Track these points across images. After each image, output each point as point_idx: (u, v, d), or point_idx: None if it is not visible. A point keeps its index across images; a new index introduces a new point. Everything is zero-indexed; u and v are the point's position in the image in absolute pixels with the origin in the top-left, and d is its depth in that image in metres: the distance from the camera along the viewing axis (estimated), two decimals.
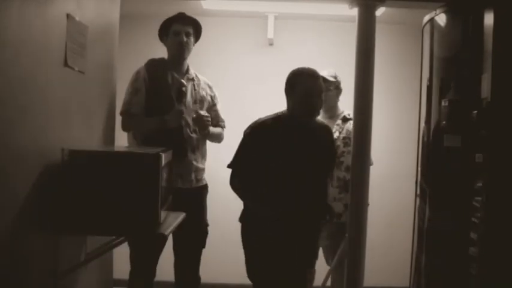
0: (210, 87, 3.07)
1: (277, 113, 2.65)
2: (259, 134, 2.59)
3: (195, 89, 2.97)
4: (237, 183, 2.61)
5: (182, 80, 2.90)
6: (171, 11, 4.07)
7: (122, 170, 2.00)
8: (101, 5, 2.50)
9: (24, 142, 1.74)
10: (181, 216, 2.40)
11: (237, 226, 4.10)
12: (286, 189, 2.52)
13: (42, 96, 1.85)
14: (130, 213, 1.98)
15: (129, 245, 2.80)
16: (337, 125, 3.19)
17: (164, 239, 2.04)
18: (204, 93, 3.01)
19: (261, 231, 2.55)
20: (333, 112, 3.24)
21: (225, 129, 3.15)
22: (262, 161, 2.53)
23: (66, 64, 2.03)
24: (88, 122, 2.35)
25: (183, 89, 2.88)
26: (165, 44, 2.97)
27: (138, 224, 2.00)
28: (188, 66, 3.00)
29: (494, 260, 2.07)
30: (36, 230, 1.87)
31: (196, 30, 3.00)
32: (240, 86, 4.15)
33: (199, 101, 2.96)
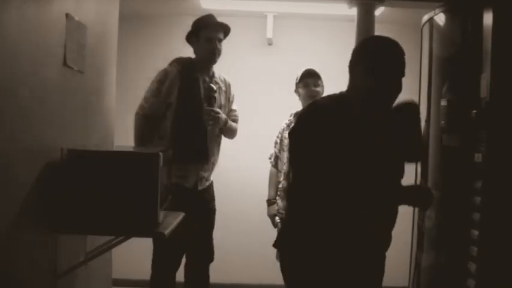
0: (229, 86, 3.09)
1: (335, 94, 1.90)
2: (320, 124, 1.74)
3: (222, 92, 3.00)
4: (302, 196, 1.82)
5: (212, 85, 2.90)
6: (170, 11, 4.08)
7: (121, 170, 1.99)
8: (100, 5, 2.50)
9: (23, 142, 1.74)
10: (180, 216, 2.40)
11: (247, 227, 4.11)
12: (363, 206, 1.73)
13: (41, 96, 1.85)
14: (130, 213, 1.98)
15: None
16: None
17: (165, 238, 2.03)
18: (227, 96, 3.05)
19: (319, 265, 1.77)
20: None
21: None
22: (328, 165, 1.70)
23: (65, 64, 2.02)
24: (87, 122, 2.35)
25: (214, 94, 2.89)
26: (193, 46, 2.94)
27: (137, 224, 2.00)
28: (213, 72, 2.99)
29: (494, 259, 2.08)
30: (36, 229, 1.87)
31: (226, 34, 2.98)
32: (239, 86, 4.14)
33: (223, 106, 2.99)
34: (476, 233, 2.10)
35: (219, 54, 2.91)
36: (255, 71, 4.17)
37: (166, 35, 4.12)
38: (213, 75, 2.97)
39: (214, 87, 2.90)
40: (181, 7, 3.93)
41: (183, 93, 2.78)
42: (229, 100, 3.09)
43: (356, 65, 1.91)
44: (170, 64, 2.90)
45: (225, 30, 2.96)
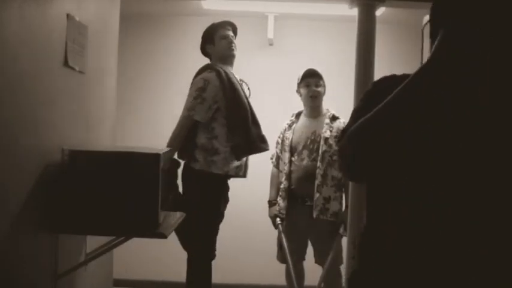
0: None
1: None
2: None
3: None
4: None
5: (241, 79, 3.09)
6: (172, 11, 4.08)
7: (122, 170, 2.00)
8: (101, 5, 2.50)
9: (24, 142, 1.74)
10: (181, 216, 2.40)
11: (248, 228, 4.10)
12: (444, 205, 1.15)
13: (42, 96, 1.85)
14: (130, 213, 1.98)
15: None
16: (327, 123, 3.19)
17: (164, 238, 2.03)
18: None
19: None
20: (318, 112, 3.25)
21: None
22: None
23: (66, 64, 2.03)
24: (88, 122, 2.35)
25: (247, 87, 3.13)
26: (211, 51, 3.06)
27: (138, 224, 2.00)
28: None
29: (495, 259, 2.07)
30: (37, 230, 1.87)
31: (234, 33, 3.14)
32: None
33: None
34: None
35: (236, 48, 3.07)
36: (256, 71, 4.16)
37: (168, 36, 4.12)
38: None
39: (243, 80, 3.12)
40: (182, 7, 3.93)
41: (229, 93, 2.89)
42: None
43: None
44: (204, 71, 2.96)
45: (233, 28, 3.13)
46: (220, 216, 3.00)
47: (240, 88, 2.97)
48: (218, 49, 3.03)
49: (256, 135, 2.96)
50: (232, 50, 3.04)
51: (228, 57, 3.03)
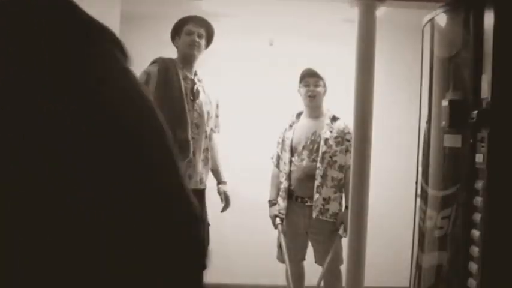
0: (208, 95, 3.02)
1: None
2: None
3: (204, 91, 2.93)
4: None
5: (194, 79, 2.87)
6: (171, 12, 4.08)
7: None
8: (101, 5, 2.50)
9: None
10: None
11: (248, 228, 4.10)
12: None
13: None
14: None
15: None
16: (327, 124, 3.20)
17: None
18: (211, 96, 2.99)
19: None
20: (319, 112, 3.26)
21: (217, 133, 3.16)
22: None
23: None
24: None
25: (196, 87, 2.85)
26: (176, 45, 2.94)
27: None
28: (196, 70, 2.95)
29: (495, 260, 2.08)
30: None
31: (208, 33, 2.94)
32: (240, 86, 4.15)
33: (209, 102, 2.94)
34: (477, 233, 2.10)
35: (199, 48, 2.86)
36: (257, 71, 4.17)
37: (167, 37, 4.12)
38: (195, 74, 2.92)
39: (196, 80, 2.88)
40: (182, 9, 3.92)
41: (161, 86, 2.72)
42: (216, 106, 3.05)
43: None
44: (150, 64, 2.84)
45: (208, 28, 2.92)
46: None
47: (181, 83, 2.74)
48: (181, 44, 2.87)
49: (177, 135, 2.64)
50: (193, 48, 2.82)
51: (187, 56, 2.84)
